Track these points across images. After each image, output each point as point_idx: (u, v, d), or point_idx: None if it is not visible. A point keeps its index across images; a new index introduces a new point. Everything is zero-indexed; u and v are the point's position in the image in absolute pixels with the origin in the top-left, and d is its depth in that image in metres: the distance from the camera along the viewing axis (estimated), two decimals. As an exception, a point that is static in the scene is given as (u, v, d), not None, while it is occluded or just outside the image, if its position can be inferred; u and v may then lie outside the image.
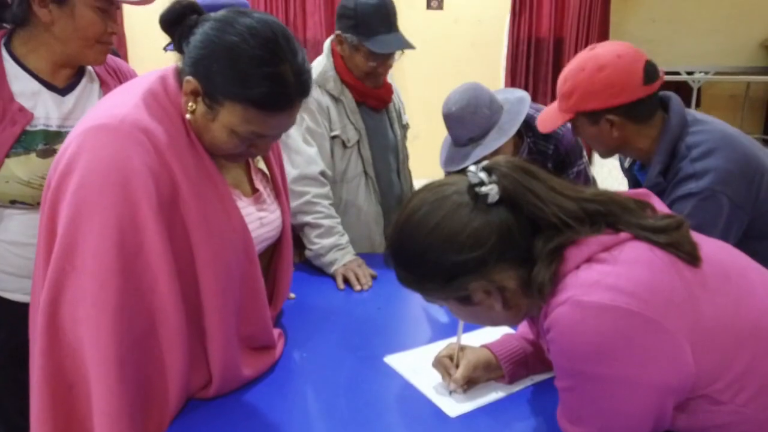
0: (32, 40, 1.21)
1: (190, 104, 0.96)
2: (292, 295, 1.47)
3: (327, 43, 1.79)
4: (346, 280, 1.58)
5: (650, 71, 1.29)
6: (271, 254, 1.28)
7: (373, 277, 1.61)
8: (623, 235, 0.83)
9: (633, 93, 1.28)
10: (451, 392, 1.08)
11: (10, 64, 1.21)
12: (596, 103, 1.30)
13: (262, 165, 1.22)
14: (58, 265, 0.87)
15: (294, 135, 1.66)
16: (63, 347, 0.89)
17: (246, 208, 1.11)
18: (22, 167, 1.18)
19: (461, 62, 5.00)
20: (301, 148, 1.67)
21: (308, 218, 1.65)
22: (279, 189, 1.24)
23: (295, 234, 1.61)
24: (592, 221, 0.83)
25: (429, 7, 4.95)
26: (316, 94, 1.69)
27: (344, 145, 1.74)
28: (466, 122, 1.61)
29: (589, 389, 0.79)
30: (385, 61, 1.71)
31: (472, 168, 0.84)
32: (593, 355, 0.77)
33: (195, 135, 0.99)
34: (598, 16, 4.81)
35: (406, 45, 1.69)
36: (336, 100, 1.73)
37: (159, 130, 0.93)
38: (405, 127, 1.99)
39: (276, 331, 1.20)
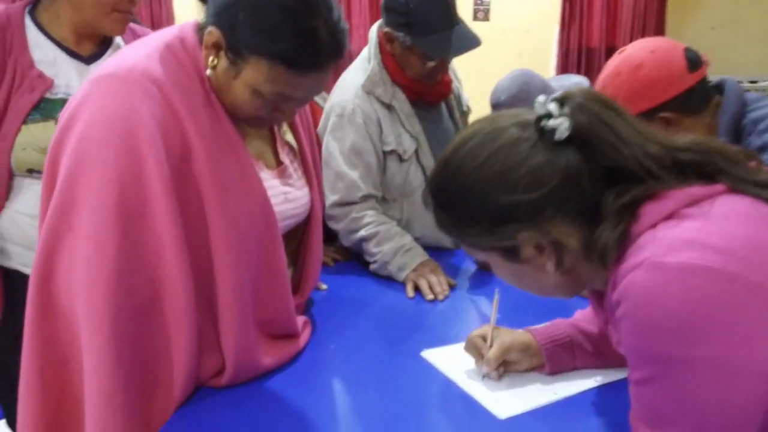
0: (53, 6, 1.19)
1: (211, 59, 0.87)
2: (324, 286, 1.35)
3: (372, 37, 1.52)
4: (418, 288, 1.34)
5: (692, 57, 1.18)
6: (298, 239, 1.17)
7: (452, 286, 1.35)
8: (718, 186, 0.67)
9: (682, 83, 1.17)
10: (483, 376, 0.94)
11: (33, 32, 1.18)
12: (644, 103, 1.19)
13: (290, 138, 1.12)
14: (53, 224, 0.78)
15: (336, 155, 1.44)
16: (57, 317, 0.80)
17: (269, 180, 1.01)
18: (40, 134, 1.14)
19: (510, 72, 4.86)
20: (343, 172, 1.44)
21: (360, 233, 1.43)
22: (308, 165, 1.13)
23: (327, 228, 1.47)
24: (682, 173, 0.68)
25: (475, 18, 4.86)
26: (362, 103, 1.45)
27: (400, 159, 1.50)
28: None
29: (675, 379, 0.62)
30: (444, 60, 1.47)
31: (541, 98, 0.71)
32: (679, 332, 0.60)
33: (215, 95, 0.89)
34: (653, 24, 4.61)
35: (471, 43, 1.43)
36: (387, 107, 1.48)
37: (172, 81, 0.84)
38: (466, 114, 1.72)
39: (301, 320, 1.08)
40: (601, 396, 0.91)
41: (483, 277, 1.43)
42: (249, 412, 0.88)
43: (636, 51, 1.20)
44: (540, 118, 0.69)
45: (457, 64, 1.69)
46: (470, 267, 1.49)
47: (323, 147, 1.47)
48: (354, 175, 1.44)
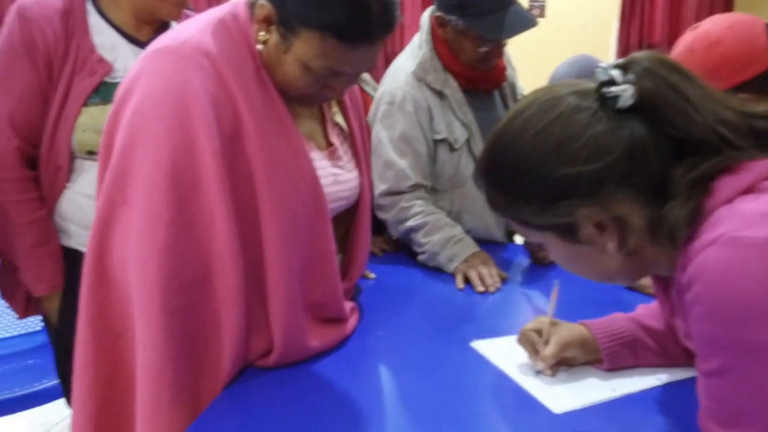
0: None
1: (261, 33, 0.86)
2: (372, 275, 1.33)
3: (424, 23, 1.48)
4: (467, 280, 1.30)
5: None
6: (347, 224, 1.15)
7: (503, 279, 1.30)
8: None
9: (763, 61, 1.08)
10: (537, 372, 0.90)
11: (94, 18, 1.21)
12: (721, 83, 1.10)
13: (340, 119, 1.11)
14: (108, 197, 0.79)
15: (385, 143, 1.41)
16: (111, 291, 0.81)
17: (319, 161, 1.00)
18: (99, 117, 1.16)
19: (566, 67, 4.74)
20: (392, 160, 1.41)
21: (408, 223, 1.40)
22: (358, 148, 1.11)
23: (376, 219, 1.44)
24: (760, 143, 0.62)
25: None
26: (413, 90, 1.42)
27: (451, 148, 1.46)
28: None
29: (753, 369, 0.57)
30: (499, 42, 1.42)
31: (603, 63, 0.66)
32: (758, 316, 0.55)
33: (266, 71, 0.89)
34: (721, 18, 4.39)
35: (526, 24, 1.37)
36: (438, 94, 1.44)
37: (224, 56, 0.84)
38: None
39: (348, 305, 1.07)
40: (665, 395, 0.85)
41: (536, 271, 1.38)
42: (295, 394, 0.87)
43: (712, 27, 1.12)
44: (601, 85, 0.65)
45: (512, 59, 1.63)
46: (523, 261, 1.44)
47: (373, 135, 1.45)
48: (403, 163, 1.42)
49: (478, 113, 1.49)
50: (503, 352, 0.97)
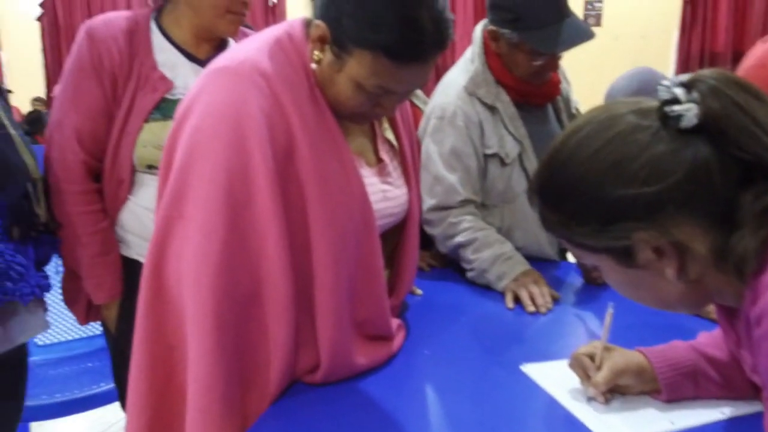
0: (174, 11, 1.27)
1: (316, 53, 0.88)
2: (419, 291, 1.32)
3: (477, 37, 1.47)
4: (518, 299, 1.26)
5: None
6: (395, 240, 1.15)
7: (555, 299, 1.26)
8: None
9: None
10: (589, 399, 0.86)
11: (157, 37, 1.26)
12: None
13: (390, 135, 1.11)
14: (167, 212, 0.82)
15: (435, 157, 1.41)
16: (166, 303, 0.83)
17: (369, 178, 1.00)
18: (159, 133, 1.21)
19: (623, 78, 4.61)
20: (442, 175, 1.39)
21: (457, 239, 1.38)
22: (407, 164, 1.11)
23: (424, 233, 1.43)
24: None
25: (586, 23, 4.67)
26: (464, 105, 1.41)
27: (502, 163, 1.43)
28: None
29: None
30: (554, 55, 1.39)
31: (666, 81, 0.64)
32: None
33: (319, 89, 0.90)
34: (790, 25, 4.18)
35: (583, 36, 1.33)
36: (490, 108, 1.42)
37: (279, 75, 0.86)
38: (575, 117, 1.59)
39: (395, 322, 1.06)
40: (728, 430, 0.81)
41: (590, 292, 1.33)
42: (341, 411, 0.87)
43: None
44: (664, 104, 0.62)
45: (566, 71, 1.60)
46: (576, 281, 1.40)
47: (422, 150, 1.45)
48: (453, 178, 1.40)
49: (530, 127, 1.47)
50: (554, 377, 0.94)
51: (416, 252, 1.15)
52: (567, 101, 1.60)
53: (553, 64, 1.41)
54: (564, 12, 1.34)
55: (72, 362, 1.95)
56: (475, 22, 4.22)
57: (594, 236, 0.66)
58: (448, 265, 1.50)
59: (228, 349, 0.80)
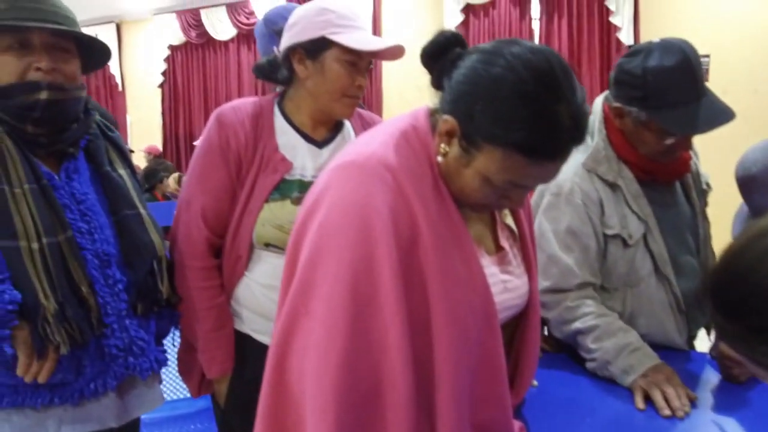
0: (295, 97, 1.33)
1: (442, 146, 0.87)
2: (535, 383, 1.23)
3: (597, 111, 1.37)
4: (648, 398, 1.14)
5: None
6: (513, 330, 1.08)
7: (692, 400, 1.13)
8: None
9: None
10: None
11: (279, 120, 1.32)
12: None
13: (509, 220, 1.06)
14: (293, 306, 0.82)
15: (549, 236, 1.33)
16: (287, 397, 0.82)
17: (489, 267, 0.96)
18: (278, 212, 1.25)
19: (735, 138, 4.31)
20: (557, 256, 1.31)
21: (575, 325, 1.28)
22: (528, 251, 1.06)
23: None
24: None
25: (693, 80, 4.44)
26: (582, 182, 1.32)
27: (625, 244, 1.33)
28: None
29: None
30: (688, 135, 1.29)
31: None
32: None
33: (443, 180, 0.89)
34: None
35: (722, 118, 1.22)
36: (611, 186, 1.33)
37: (405, 168, 0.85)
38: (705, 193, 1.49)
39: (517, 425, 0.98)
40: None
41: (731, 391, 1.19)
42: None
43: None
44: None
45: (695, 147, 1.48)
46: (712, 377, 1.26)
47: (535, 227, 1.38)
48: (569, 259, 1.32)
49: (656, 206, 1.36)
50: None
51: (537, 345, 1.08)
52: (697, 176, 1.48)
53: (686, 143, 1.31)
54: (700, 92, 1.24)
55: (177, 423, 2.00)
56: (593, 94, 4.19)
57: None
58: (562, 350, 1.40)
59: None
